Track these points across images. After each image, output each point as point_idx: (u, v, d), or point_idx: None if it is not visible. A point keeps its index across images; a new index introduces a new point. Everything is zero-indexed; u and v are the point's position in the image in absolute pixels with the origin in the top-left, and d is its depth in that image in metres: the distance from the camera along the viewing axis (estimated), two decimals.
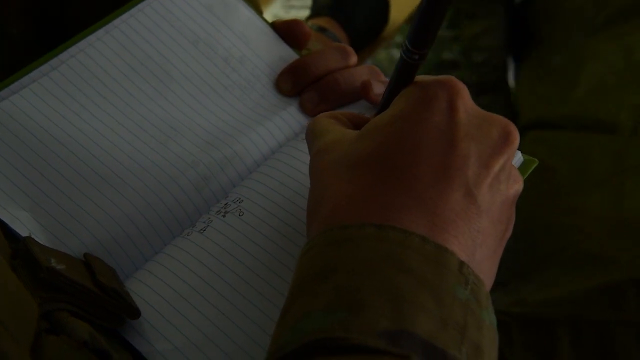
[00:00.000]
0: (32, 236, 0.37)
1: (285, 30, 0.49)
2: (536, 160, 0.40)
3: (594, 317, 0.80)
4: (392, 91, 0.34)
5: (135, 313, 0.36)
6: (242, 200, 0.41)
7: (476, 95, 1.06)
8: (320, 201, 0.32)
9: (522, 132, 0.94)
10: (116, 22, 0.46)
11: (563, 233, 0.82)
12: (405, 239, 0.28)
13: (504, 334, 0.83)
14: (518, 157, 0.40)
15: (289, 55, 0.49)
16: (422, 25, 0.32)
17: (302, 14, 0.97)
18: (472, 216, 0.30)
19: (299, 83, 0.47)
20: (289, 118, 0.46)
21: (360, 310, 0.26)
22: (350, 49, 0.47)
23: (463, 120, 0.31)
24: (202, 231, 0.40)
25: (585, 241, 0.80)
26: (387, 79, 0.44)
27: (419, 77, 0.34)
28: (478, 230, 0.30)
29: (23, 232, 0.38)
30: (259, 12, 0.50)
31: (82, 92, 0.43)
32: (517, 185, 0.33)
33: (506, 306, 0.83)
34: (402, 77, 0.34)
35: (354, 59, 0.48)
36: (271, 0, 1.05)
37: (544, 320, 0.82)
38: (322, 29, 0.86)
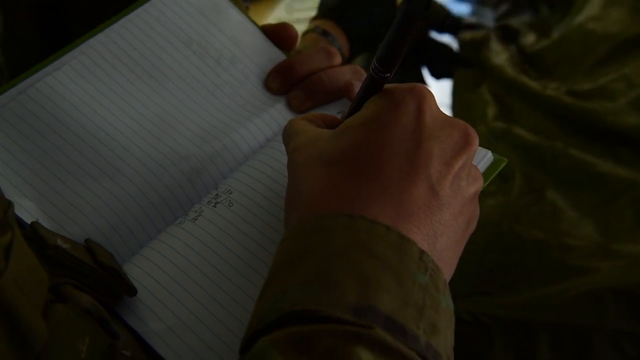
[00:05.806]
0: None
1: (274, 33, 0.52)
2: (505, 159, 0.43)
3: (573, 322, 0.82)
4: (362, 99, 0.37)
5: (132, 291, 0.39)
6: (232, 192, 0.44)
7: None
8: (297, 193, 0.35)
9: None
10: (115, 26, 0.48)
11: (551, 251, 0.85)
12: (372, 228, 0.31)
13: (485, 336, 0.85)
14: (488, 157, 0.42)
15: (278, 56, 0.52)
16: (391, 48, 0.34)
17: (305, 15, 0.99)
18: (433, 209, 0.33)
19: (286, 82, 0.50)
20: (277, 115, 0.49)
21: (331, 288, 0.29)
22: (334, 50, 0.50)
23: (428, 122, 0.34)
24: (194, 220, 0.43)
25: (571, 258, 0.83)
26: None
27: (391, 86, 0.36)
28: (439, 222, 0.33)
29: (29, 220, 0.41)
30: (247, 15, 0.53)
31: (82, 89, 0.46)
32: (477, 184, 0.36)
33: (488, 309, 0.85)
34: (371, 89, 0.36)
35: (338, 59, 0.50)
36: (275, 4, 1.08)
37: (525, 324, 0.84)
38: (325, 33, 0.88)
